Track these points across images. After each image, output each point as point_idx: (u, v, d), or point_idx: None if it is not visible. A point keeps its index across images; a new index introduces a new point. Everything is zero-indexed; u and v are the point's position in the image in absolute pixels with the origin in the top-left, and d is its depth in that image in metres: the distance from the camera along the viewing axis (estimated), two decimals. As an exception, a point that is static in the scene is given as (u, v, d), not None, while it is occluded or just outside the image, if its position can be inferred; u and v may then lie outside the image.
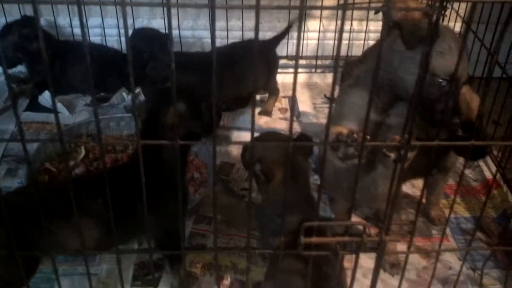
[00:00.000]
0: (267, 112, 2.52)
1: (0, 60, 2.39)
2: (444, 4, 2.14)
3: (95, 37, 2.72)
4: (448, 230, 1.89)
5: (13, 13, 2.61)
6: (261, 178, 1.47)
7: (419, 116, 1.33)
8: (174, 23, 2.70)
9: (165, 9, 2.44)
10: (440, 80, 1.31)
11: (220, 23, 2.71)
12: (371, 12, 2.74)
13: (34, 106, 2.45)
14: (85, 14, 2.66)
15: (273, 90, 2.55)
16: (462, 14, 2.62)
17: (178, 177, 1.34)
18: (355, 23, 2.81)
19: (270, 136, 1.74)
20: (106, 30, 2.74)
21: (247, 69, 2.29)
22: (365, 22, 2.77)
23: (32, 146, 2.00)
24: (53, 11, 2.69)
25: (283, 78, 2.81)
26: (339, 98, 1.58)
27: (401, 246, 1.69)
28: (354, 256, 1.08)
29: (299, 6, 0.86)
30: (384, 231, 1.26)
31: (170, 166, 1.51)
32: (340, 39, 0.93)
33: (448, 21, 2.65)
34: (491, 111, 2.04)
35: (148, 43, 2.28)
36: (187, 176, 1.99)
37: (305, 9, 0.85)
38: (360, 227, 1.13)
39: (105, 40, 2.73)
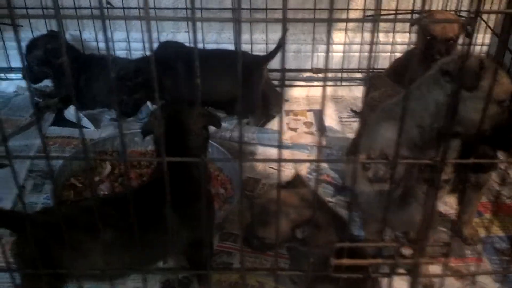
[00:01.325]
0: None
1: (25, 75, 2.45)
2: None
3: (120, 51, 2.73)
4: (482, 250, 1.83)
5: (40, 27, 2.64)
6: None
7: (491, 145, 1.32)
8: (199, 36, 2.70)
9: (190, 23, 2.41)
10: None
11: (244, 36, 2.69)
12: (398, 24, 2.70)
13: (60, 120, 2.46)
14: (110, 28, 2.68)
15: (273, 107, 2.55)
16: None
17: (203, 189, 1.34)
18: (381, 35, 2.76)
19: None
20: (131, 44, 2.75)
21: (216, 77, 2.28)
22: (391, 34, 2.73)
23: (58, 161, 2.00)
24: (78, 25, 2.71)
25: (308, 92, 2.78)
26: (370, 128, 1.54)
27: (434, 267, 1.63)
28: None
29: (327, 19, 0.83)
30: (419, 252, 1.21)
31: (195, 177, 1.49)
32: (370, 51, 0.90)
33: (477, 33, 2.60)
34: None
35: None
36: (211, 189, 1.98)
37: (331, 22, 0.82)
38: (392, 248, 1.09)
39: (130, 54, 2.74)
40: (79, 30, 2.70)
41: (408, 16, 2.64)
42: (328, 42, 0.80)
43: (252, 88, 2.40)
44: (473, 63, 1.31)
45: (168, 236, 1.32)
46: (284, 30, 0.92)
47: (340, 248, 1.07)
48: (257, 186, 2.10)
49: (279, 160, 0.93)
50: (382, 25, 2.75)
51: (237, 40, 0.75)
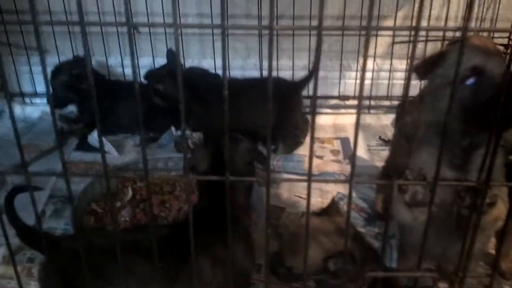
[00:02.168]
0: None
1: (50, 100, 2.44)
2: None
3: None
4: (523, 286, 1.71)
5: (66, 52, 2.65)
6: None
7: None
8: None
9: (216, 48, 2.35)
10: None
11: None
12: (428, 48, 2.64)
13: (84, 146, 2.43)
14: (136, 53, 2.67)
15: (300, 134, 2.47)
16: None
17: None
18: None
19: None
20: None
21: (250, 105, 2.18)
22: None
23: (80, 186, 1.96)
24: (105, 51, 2.71)
25: (335, 119, 2.72)
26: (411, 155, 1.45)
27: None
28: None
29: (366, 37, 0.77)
30: (459, 284, 1.12)
31: (239, 209, 1.42)
32: (409, 78, 0.84)
33: None
34: None
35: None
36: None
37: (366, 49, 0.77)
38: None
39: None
40: (105, 56, 2.71)
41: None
42: (365, 69, 0.74)
43: (289, 115, 2.35)
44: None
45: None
46: (319, 44, 0.86)
47: (373, 281, 0.99)
48: (281, 215, 2.02)
49: (309, 180, 0.86)
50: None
51: (269, 50, 0.70)
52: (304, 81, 2.34)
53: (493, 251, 1.77)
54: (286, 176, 2.28)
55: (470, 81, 1.15)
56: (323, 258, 1.30)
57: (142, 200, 2.01)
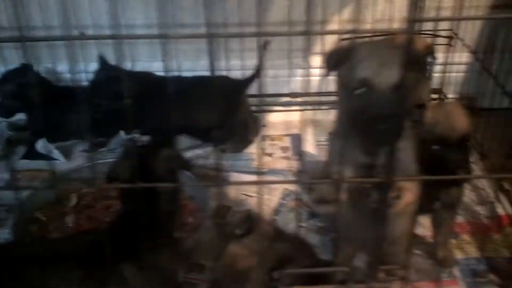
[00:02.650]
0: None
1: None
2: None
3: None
4: (457, 273, 1.75)
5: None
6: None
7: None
8: (174, 64, 2.69)
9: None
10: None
11: (219, 63, 2.67)
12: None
13: (32, 154, 2.42)
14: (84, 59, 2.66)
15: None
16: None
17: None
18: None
19: None
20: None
21: (196, 104, 2.22)
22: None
23: (23, 194, 1.95)
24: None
25: (286, 116, 2.74)
26: (328, 148, 1.50)
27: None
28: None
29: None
30: (372, 276, 1.15)
31: (165, 215, 1.44)
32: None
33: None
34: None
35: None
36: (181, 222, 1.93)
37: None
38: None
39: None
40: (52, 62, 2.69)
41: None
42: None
43: (233, 113, 2.36)
44: None
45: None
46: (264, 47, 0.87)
47: (308, 276, 1.02)
48: (227, 213, 2.04)
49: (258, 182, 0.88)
50: (358, 47, 2.72)
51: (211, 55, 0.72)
52: (249, 80, 2.36)
53: (431, 240, 1.82)
54: (235, 175, 2.29)
55: (359, 91, 1.19)
56: (267, 273, 1.33)
57: (86, 206, 2.01)
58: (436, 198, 1.61)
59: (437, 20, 2.57)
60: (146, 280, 1.31)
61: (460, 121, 1.45)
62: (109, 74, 2.26)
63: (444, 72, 2.61)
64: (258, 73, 2.36)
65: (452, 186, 1.58)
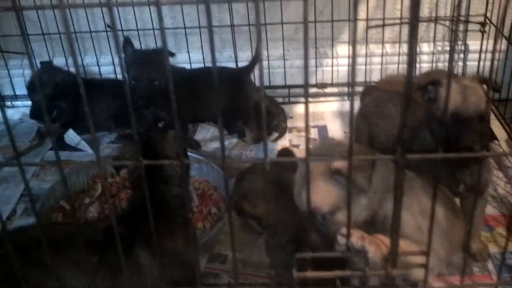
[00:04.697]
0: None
1: (33, 114, 2.44)
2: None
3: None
4: (491, 267, 1.67)
5: (43, 55, 2.66)
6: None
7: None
8: (184, 56, 2.68)
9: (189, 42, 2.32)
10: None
11: (226, 53, 2.65)
12: (404, 33, 2.60)
13: (60, 145, 2.44)
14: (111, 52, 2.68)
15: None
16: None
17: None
18: (387, 45, 2.67)
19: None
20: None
21: (205, 94, 2.24)
22: (397, 44, 2.63)
23: (47, 184, 1.97)
24: (80, 50, 2.73)
25: (313, 108, 2.69)
26: None
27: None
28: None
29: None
30: (391, 263, 1.09)
31: (173, 199, 1.44)
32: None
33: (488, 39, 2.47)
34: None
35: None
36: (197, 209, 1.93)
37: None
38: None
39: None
40: (80, 55, 2.72)
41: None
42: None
43: (241, 99, 2.37)
44: None
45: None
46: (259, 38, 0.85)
47: (303, 259, 0.98)
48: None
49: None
50: (387, 35, 2.65)
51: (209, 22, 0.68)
52: (249, 66, 2.38)
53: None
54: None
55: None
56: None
57: (111, 195, 2.02)
58: (460, 180, 1.53)
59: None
60: (161, 265, 1.30)
61: (475, 96, 1.38)
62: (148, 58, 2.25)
63: (478, 60, 2.53)
64: (256, 59, 2.37)
65: (471, 164, 1.50)
